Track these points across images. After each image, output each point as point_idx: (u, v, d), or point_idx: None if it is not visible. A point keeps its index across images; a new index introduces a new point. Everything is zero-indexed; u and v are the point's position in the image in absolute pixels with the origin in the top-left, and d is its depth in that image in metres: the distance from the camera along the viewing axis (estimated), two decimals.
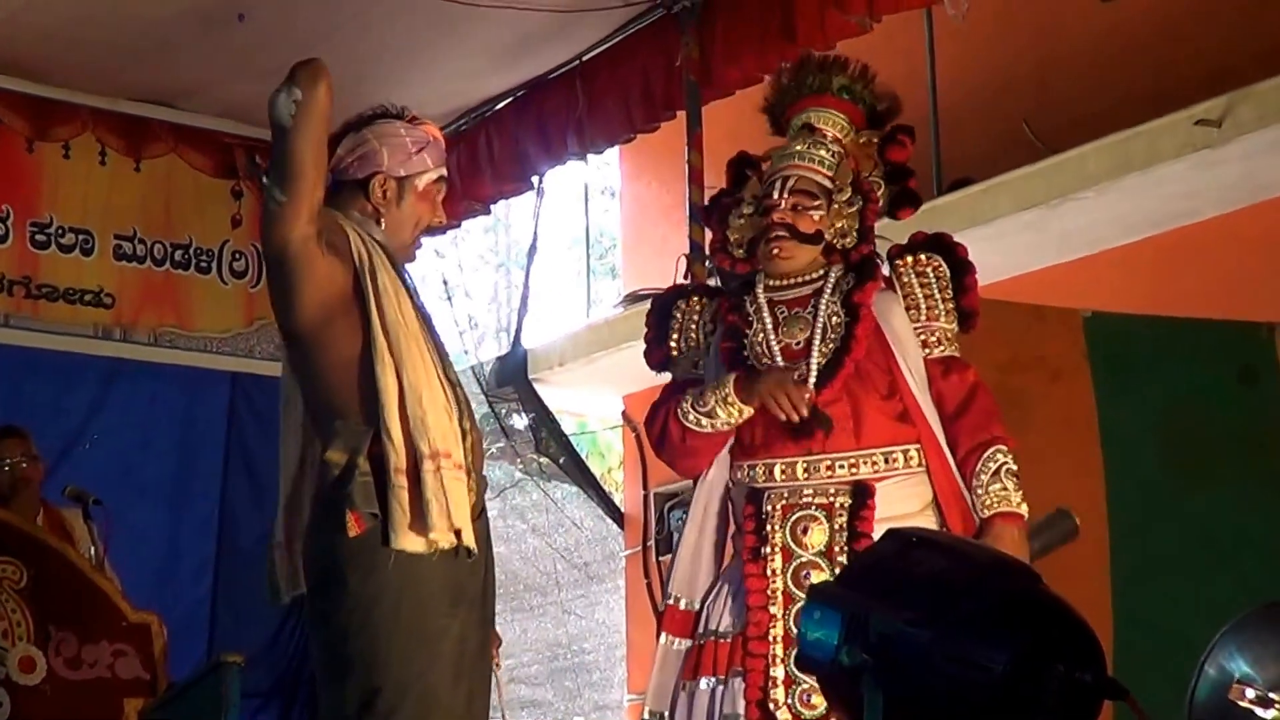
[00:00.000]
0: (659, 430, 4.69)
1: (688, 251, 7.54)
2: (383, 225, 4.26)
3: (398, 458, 4.02)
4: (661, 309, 4.88)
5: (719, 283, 4.91)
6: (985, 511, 4.43)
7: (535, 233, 11.19)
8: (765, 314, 4.62)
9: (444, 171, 4.39)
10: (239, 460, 8.94)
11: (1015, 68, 8.62)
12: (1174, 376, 5.88)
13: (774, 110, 4.83)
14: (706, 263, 7.30)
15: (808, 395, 4.43)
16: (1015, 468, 4.45)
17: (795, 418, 4.43)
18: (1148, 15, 7.70)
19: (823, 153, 4.63)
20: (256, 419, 8.84)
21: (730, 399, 4.51)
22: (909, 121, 4.80)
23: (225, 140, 9.01)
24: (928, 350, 4.55)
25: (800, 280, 4.63)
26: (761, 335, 4.60)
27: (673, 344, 4.82)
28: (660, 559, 10.57)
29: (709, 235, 5.11)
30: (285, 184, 4.02)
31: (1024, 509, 4.43)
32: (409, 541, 4.00)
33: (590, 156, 9.00)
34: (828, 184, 4.59)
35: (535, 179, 9.03)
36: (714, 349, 4.71)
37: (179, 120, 8.84)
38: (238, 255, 9.11)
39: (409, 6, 7.40)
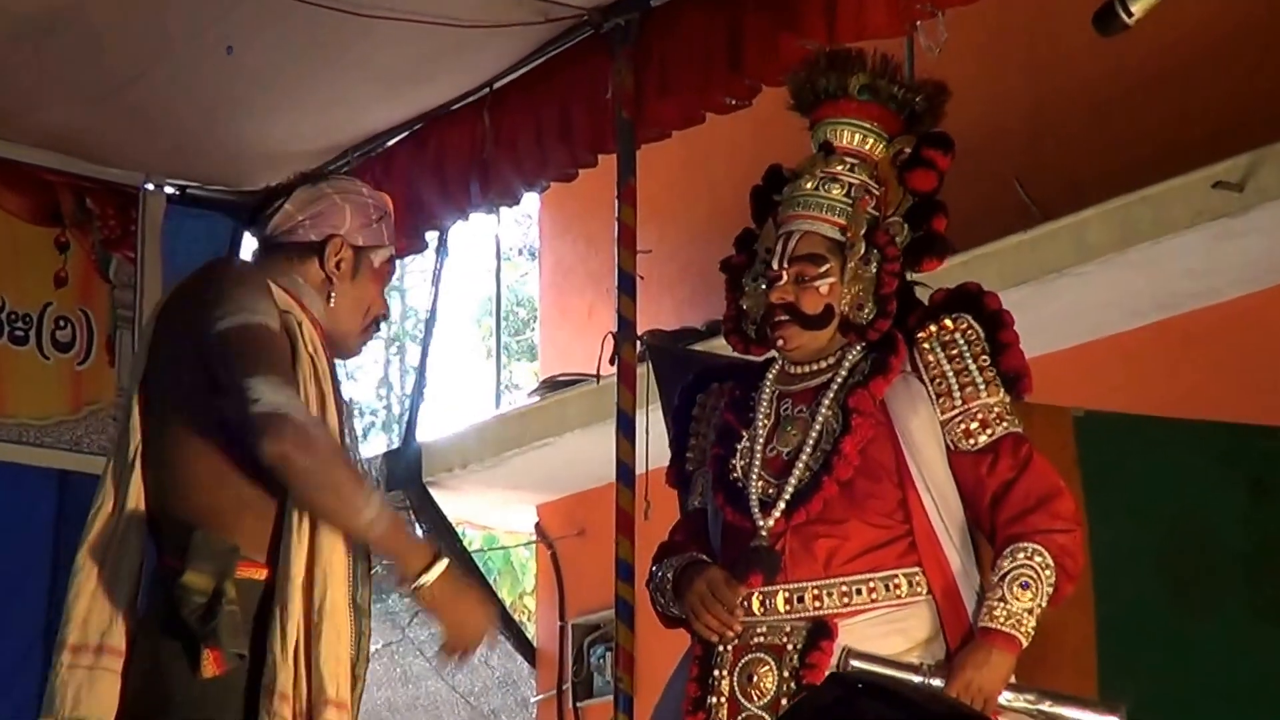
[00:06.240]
0: (650, 602, 4.49)
1: (615, 329, 7.15)
2: (332, 302, 4.08)
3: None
4: (682, 404, 4.60)
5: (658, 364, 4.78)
6: (978, 621, 4.18)
7: (435, 301, 10.97)
8: (762, 413, 4.34)
9: (394, 252, 4.24)
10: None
11: (1006, 114, 8.60)
12: (1177, 488, 5.70)
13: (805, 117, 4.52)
14: (638, 344, 7.03)
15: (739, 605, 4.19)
16: (1032, 571, 4.17)
17: (725, 637, 4.21)
18: (1159, 57, 7.70)
19: (835, 191, 4.32)
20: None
21: (673, 605, 4.35)
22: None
23: (46, 178, 8.44)
24: (971, 441, 4.25)
25: (814, 368, 4.35)
26: (748, 444, 4.32)
27: (689, 455, 4.53)
28: (579, 705, 10.50)
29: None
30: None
31: (1012, 628, 4.16)
32: None
33: (502, 209, 8.87)
34: (839, 237, 4.29)
35: (433, 235, 8.71)
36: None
37: None
38: (62, 323, 8.53)
39: (275, 15, 6.92)
